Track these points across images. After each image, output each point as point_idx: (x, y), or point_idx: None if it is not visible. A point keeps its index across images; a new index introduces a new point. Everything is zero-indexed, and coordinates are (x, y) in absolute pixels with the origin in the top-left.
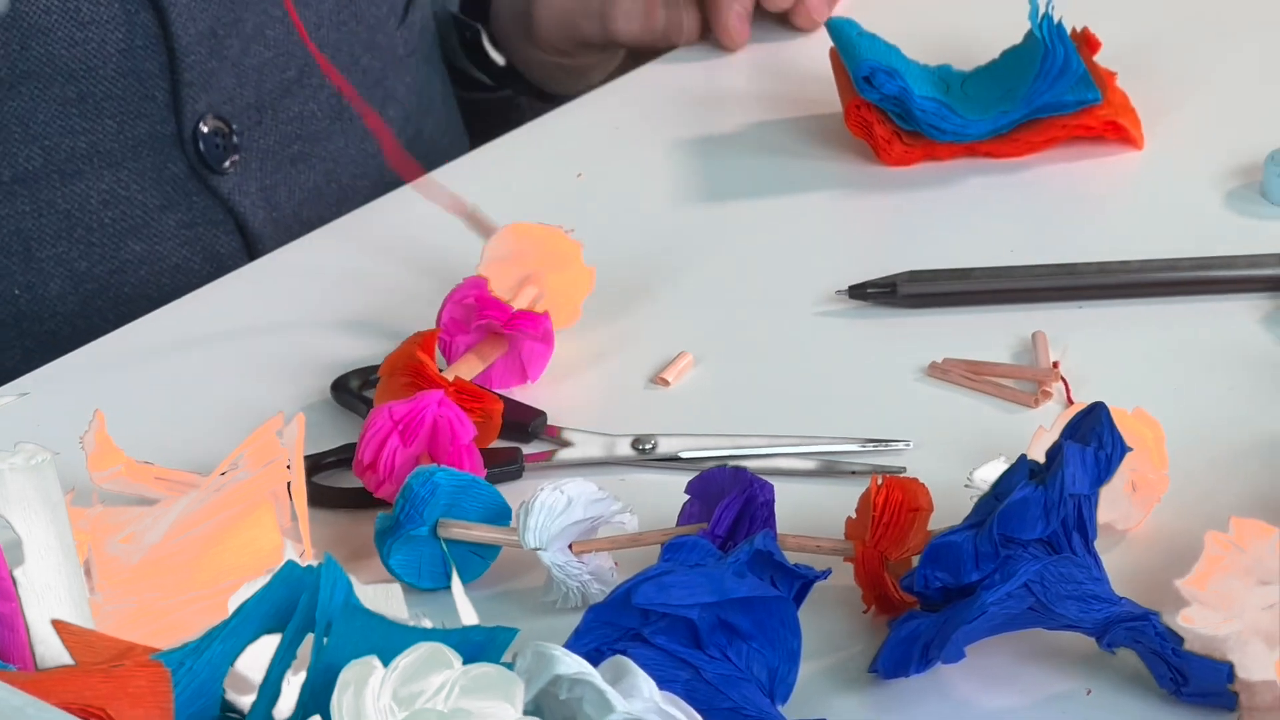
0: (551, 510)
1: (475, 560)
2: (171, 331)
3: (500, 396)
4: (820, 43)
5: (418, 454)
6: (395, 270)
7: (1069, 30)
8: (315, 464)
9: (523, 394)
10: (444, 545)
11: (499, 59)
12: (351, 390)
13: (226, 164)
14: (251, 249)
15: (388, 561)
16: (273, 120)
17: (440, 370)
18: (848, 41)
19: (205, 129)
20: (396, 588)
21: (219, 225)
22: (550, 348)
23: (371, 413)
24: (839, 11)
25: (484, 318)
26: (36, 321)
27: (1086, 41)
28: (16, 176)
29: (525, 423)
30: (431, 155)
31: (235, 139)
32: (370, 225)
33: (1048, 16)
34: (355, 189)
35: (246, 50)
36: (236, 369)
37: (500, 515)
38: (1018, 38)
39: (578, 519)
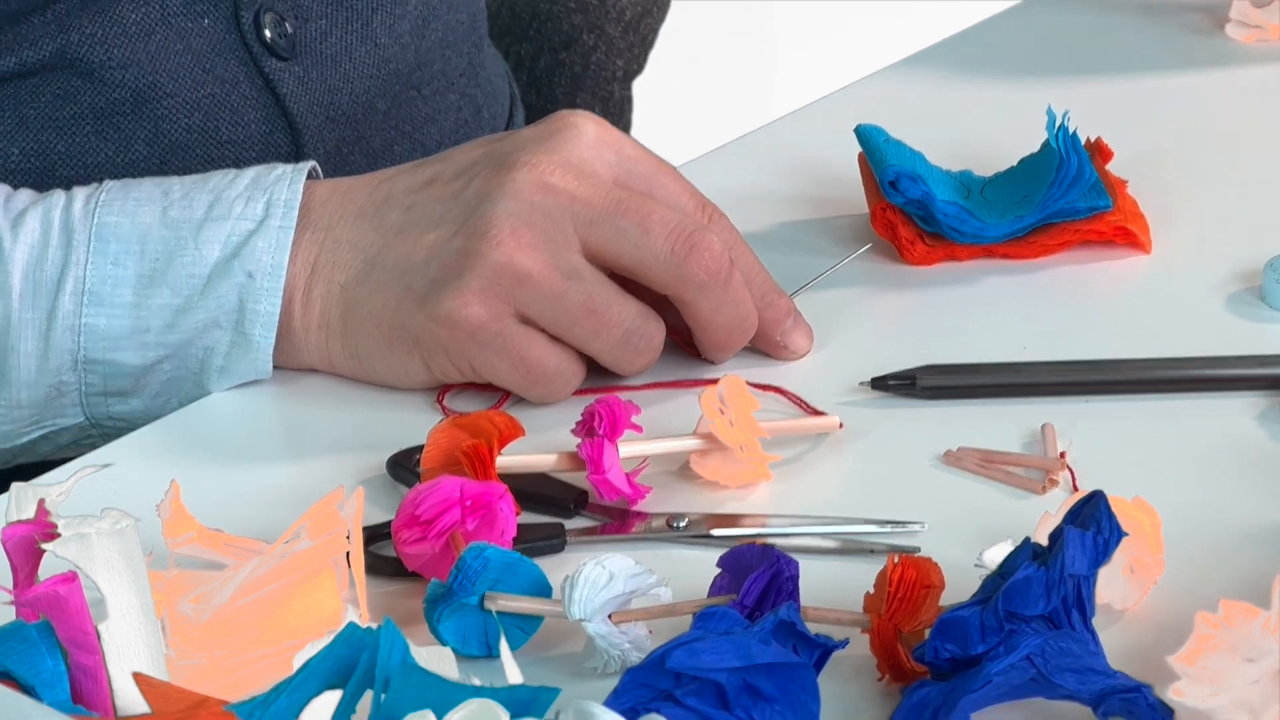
0: (595, 584)
1: (517, 632)
2: (240, 411)
3: (547, 474)
4: (849, 148)
5: (461, 533)
6: None
7: (1083, 140)
8: (370, 535)
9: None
10: (495, 615)
11: None
12: (407, 467)
13: None
14: None
15: (436, 627)
16: None
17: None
18: (875, 147)
19: None
20: (448, 651)
21: None
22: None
23: (442, 479)
24: (867, 119)
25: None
26: None
27: (1099, 151)
28: None
29: (567, 500)
30: None
31: None
32: None
33: (1064, 127)
34: None
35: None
36: (300, 445)
37: (541, 591)
38: (1035, 146)
39: (618, 592)
